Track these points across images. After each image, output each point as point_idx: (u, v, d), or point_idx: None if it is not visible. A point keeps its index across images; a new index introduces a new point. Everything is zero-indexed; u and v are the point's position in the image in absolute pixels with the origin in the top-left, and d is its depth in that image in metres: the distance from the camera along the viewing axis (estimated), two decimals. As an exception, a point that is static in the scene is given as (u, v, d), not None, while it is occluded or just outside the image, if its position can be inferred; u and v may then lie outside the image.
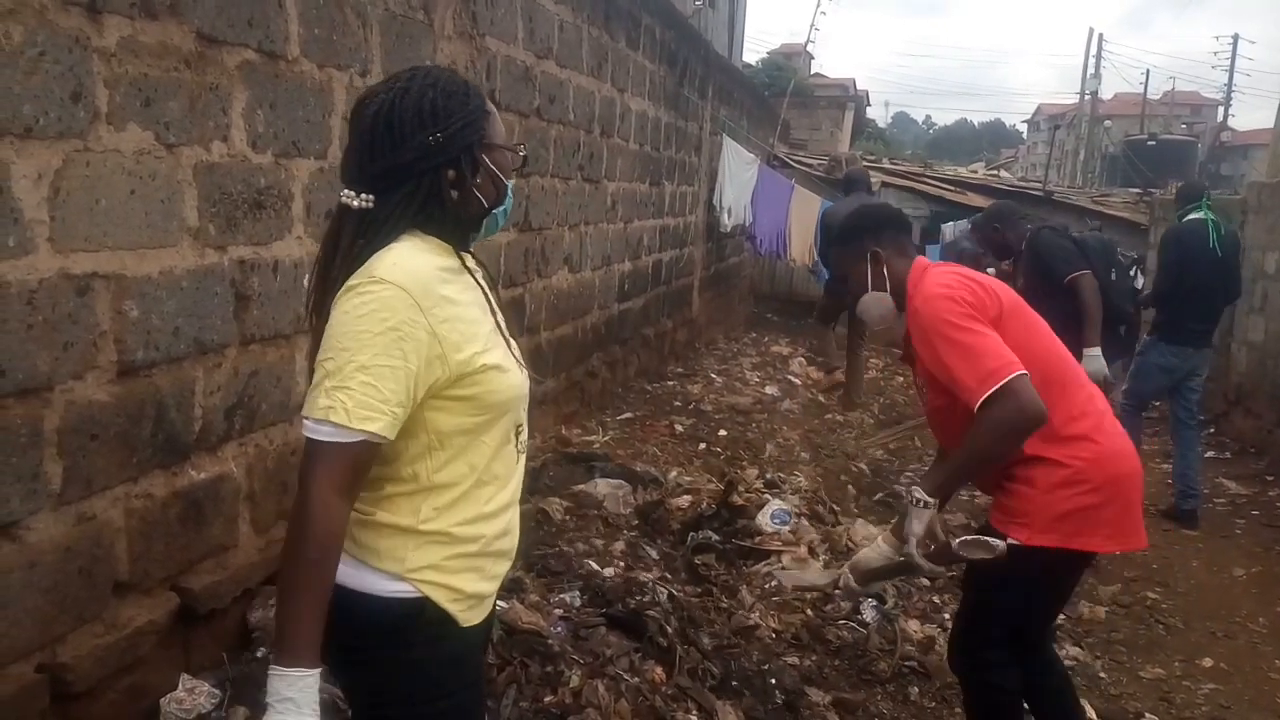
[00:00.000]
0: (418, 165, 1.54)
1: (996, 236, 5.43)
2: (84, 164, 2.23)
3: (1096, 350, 4.86)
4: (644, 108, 7.09)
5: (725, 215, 9.79)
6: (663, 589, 3.55)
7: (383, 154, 1.53)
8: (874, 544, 2.73)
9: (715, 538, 4.37)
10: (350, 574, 1.54)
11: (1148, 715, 3.67)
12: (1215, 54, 51.67)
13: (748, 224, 10.57)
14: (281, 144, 2.91)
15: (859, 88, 29.58)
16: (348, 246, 1.54)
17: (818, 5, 17.10)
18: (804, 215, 10.97)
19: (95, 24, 2.24)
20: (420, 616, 1.57)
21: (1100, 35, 37.48)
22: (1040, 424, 2.34)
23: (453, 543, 1.59)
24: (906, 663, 3.69)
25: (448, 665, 1.63)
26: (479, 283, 1.65)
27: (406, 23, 3.57)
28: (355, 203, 1.55)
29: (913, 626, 3.95)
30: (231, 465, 2.81)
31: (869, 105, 35.00)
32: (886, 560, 2.65)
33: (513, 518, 1.71)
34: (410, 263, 1.50)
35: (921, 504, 2.46)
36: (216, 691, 2.56)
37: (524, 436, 1.72)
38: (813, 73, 28.12)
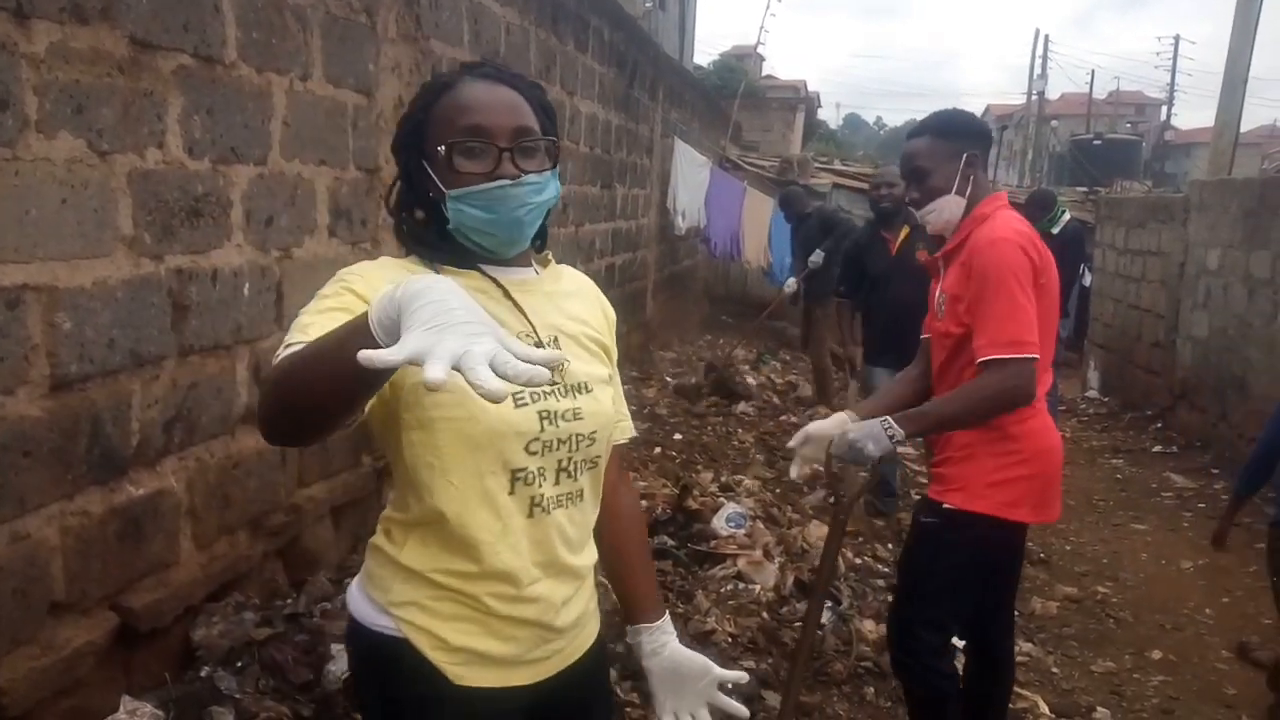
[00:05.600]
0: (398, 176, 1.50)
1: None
2: (13, 173, 2.16)
3: None
4: (594, 110, 7.07)
5: (679, 218, 9.80)
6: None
7: None
8: (836, 420, 2.65)
9: (671, 543, 4.35)
10: (354, 595, 1.50)
11: (1099, 709, 3.71)
12: (1158, 54, 52.72)
13: (702, 226, 10.59)
14: (219, 150, 2.85)
15: (810, 90, 29.77)
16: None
17: (767, 6, 17.15)
18: (757, 217, 11.03)
19: (23, 29, 2.17)
20: (400, 660, 1.40)
21: (1046, 36, 38.15)
22: (1024, 406, 2.45)
23: (435, 586, 1.39)
24: (862, 663, 3.70)
25: None
26: (488, 307, 1.40)
27: (348, 25, 3.52)
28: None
29: (868, 627, 3.96)
30: (171, 480, 2.74)
31: (820, 107, 35.23)
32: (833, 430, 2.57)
33: (539, 586, 1.42)
34: (363, 272, 1.37)
35: (893, 437, 2.42)
36: (159, 713, 2.50)
37: (551, 488, 1.41)
38: (764, 74, 28.25)
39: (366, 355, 0.91)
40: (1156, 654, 4.24)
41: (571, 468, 1.43)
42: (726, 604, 3.94)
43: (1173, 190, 14.76)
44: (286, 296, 3.24)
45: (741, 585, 4.12)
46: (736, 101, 15.25)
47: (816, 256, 7.48)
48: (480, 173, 1.37)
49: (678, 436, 6.29)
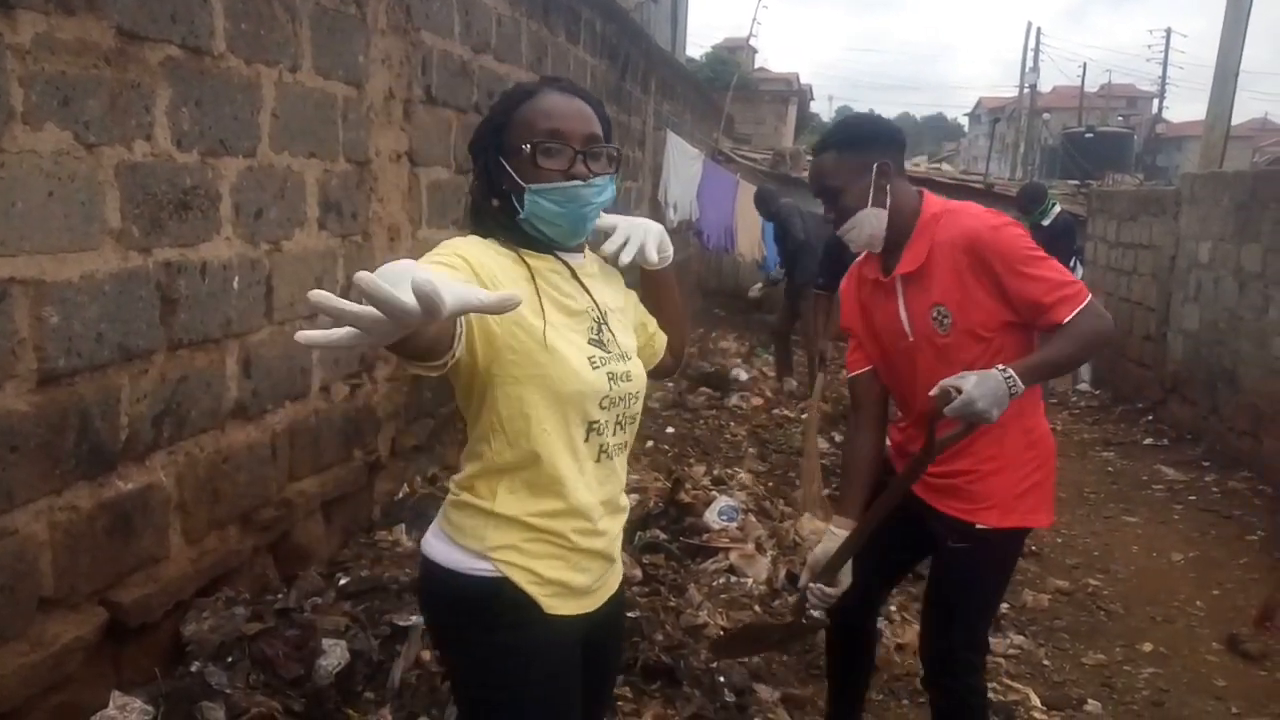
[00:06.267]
0: (474, 169, 1.71)
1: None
2: (-2, 165, 2.14)
3: None
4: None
5: (671, 210, 9.79)
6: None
7: None
8: (827, 535, 2.58)
9: (663, 536, 4.35)
10: (440, 550, 1.66)
11: (1090, 701, 3.71)
12: (1150, 48, 52.86)
13: (694, 219, 10.58)
14: (208, 142, 2.83)
15: (803, 82, 29.78)
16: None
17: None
18: (750, 210, 10.97)
19: (8, 20, 2.15)
20: (499, 596, 1.61)
21: (1039, 29, 38.19)
22: (1112, 341, 2.43)
23: (529, 529, 1.62)
24: (854, 656, 3.70)
25: (532, 651, 1.63)
26: (564, 284, 1.67)
27: (338, 17, 3.50)
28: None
29: (860, 620, 3.96)
30: (160, 474, 2.73)
31: (813, 99, 35.23)
32: (842, 545, 2.50)
33: (604, 521, 1.70)
34: (479, 245, 1.61)
35: (1013, 383, 2.20)
36: (149, 708, 2.48)
37: (613, 437, 1.69)
38: (756, 67, 28.24)
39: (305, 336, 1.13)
40: (1147, 646, 4.25)
41: (624, 421, 1.71)
42: (719, 597, 3.94)
43: (1164, 183, 14.79)
44: (276, 290, 3.23)
45: (734, 579, 4.12)
46: (729, 94, 15.24)
47: (776, 273, 7.70)
48: (558, 170, 1.62)
49: (670, 430, 6.28)
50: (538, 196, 1.62)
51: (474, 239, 1.64)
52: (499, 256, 1.61)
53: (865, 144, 2.43)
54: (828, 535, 2.57)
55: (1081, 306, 2.28)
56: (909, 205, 2.44)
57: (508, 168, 1.64)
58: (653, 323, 1.94)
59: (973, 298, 2.37)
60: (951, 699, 2.66)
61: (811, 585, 2.55)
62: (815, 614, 2.59)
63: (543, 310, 1.60)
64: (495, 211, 1.67)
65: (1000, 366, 2.21)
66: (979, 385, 2.17)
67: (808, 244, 7.70)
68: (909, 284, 2.46)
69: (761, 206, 8.64)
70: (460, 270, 1.48)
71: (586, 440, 1.65)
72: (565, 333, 1.62)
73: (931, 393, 2.24)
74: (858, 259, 2.71)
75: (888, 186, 2.40)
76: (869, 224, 2.43)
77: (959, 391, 2.17)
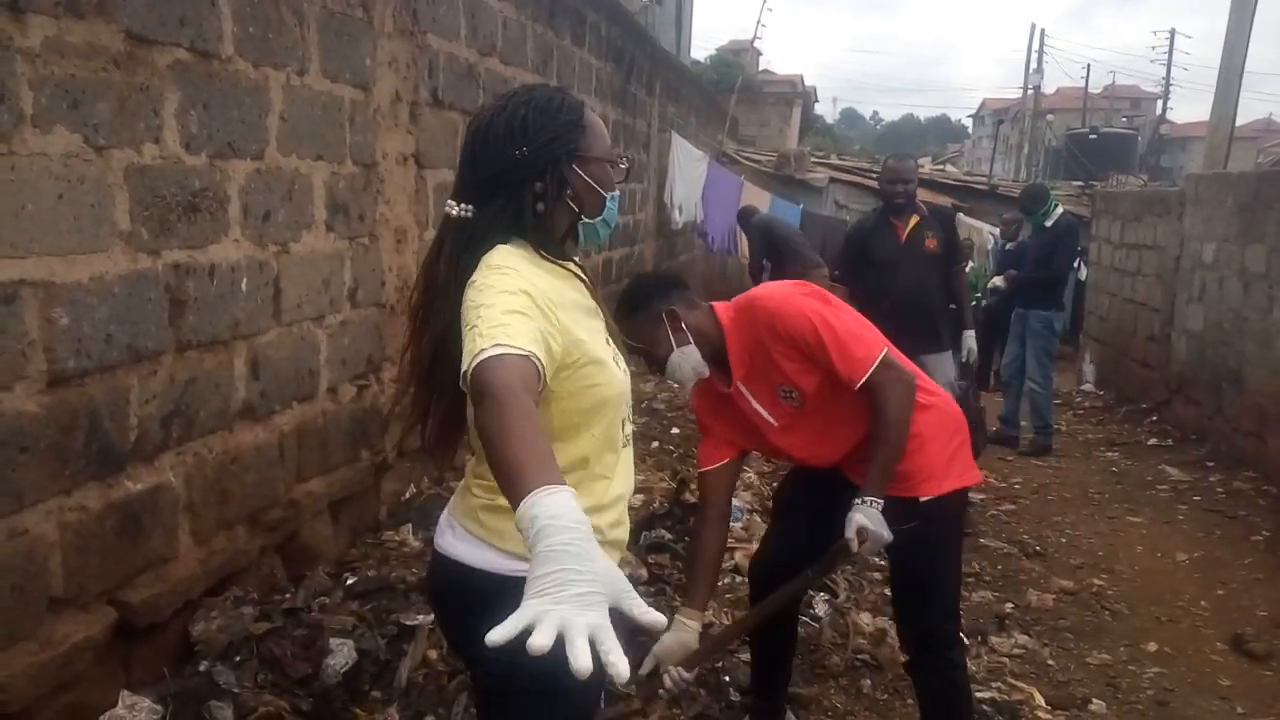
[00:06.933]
0: (506, 178, 1.64)
1: None
2: (9, 168, 2.16)
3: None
4: (590, 105, 7.06)
5: (676, 212, 9.81)
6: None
7: (478, 166, 1.66)
8: (676, 625, 2.59)
9: (668, 536, 4.36)
10: (474, 554, 1.68)
11: (1095, 701, 3.71)
12: (1153, 49, 52.81)
13: (699, 221, 10.59)
14: (216, 145, 2.85)
15: (807, 84, 29.79)
16: (450, 254, 1.64)
17: (763, 1, 17.14)
18: (753, 211, 11.01)
19: (18, 24, 2.17)
20: None
21: (1043, 31, 38.26)
22: (916, 391, 2.59)
23: None
24: (859, 656, 3.71)
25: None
26: (585, 287, 1.73)
27: (345, 20, 3.52)
28: (455, 211, 1.66)
29: (864, 619, 3.97)
30: (169, 475, 2.74)
31: (817, 101, 35.24)
32: (690, 645, 2.58)
33: (624, 510, 1.78)
34: (514, 259, 1.60)
35: (876, 504, 2.50)
36: (158, 708, 2.50)
37: (629, 430, 1.78)
38: (761, 69, 28.24)
39: (492, 639, 1.05)
40: (1152, 646, 4.24)
41: (630, 412, 1.79)
42: (724, 597, 3.94)
43: (1168, 184, 14.78)
44: (284, 292, 3.24)
45: (739, 579, 4.12)
46: (733, 96, 15.25)
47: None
48: (616, 182, 1.75)
49: (675, 431, 6.29)
50: (612, 204, 1.74)
51: (514, 254, 1.61)
52: (539, 271, 1.61)
53: (645, 301, 2.64)
54: (676, 625, 2.60)
55: (872, 370, 2.49)
56: (709, 328, 2.64)
57: (585, 177, 1.69)
58: None
59: (801, 367, 2.59)
60: (936, 675, 2.79)
61: (670, 670, 2.54)
62: (664, 696, 2.60)
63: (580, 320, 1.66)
64: (540, 218, 1.66)
65: (857, 501, 2.49)
66: (868, 523, 2.47)
67: (787, 241, 7.81)
68: (749, 384, 2.68)
69: (741, 221, 8.82)
70: (532, 316, 1.48)
71: (624, 439, 1.75)
72: (596, 337, 1.67)
73: (833, 549, 2.58)
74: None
75: (682, 323, 2.60)
76: (686, 362, 2.61)
77: (862, 536, 2.47)
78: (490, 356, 1.38)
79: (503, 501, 1.59)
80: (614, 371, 1.67)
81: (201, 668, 2.69)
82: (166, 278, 2.69)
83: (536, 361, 1.42)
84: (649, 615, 1.13)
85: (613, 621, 1.08)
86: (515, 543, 1.61)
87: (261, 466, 3.19)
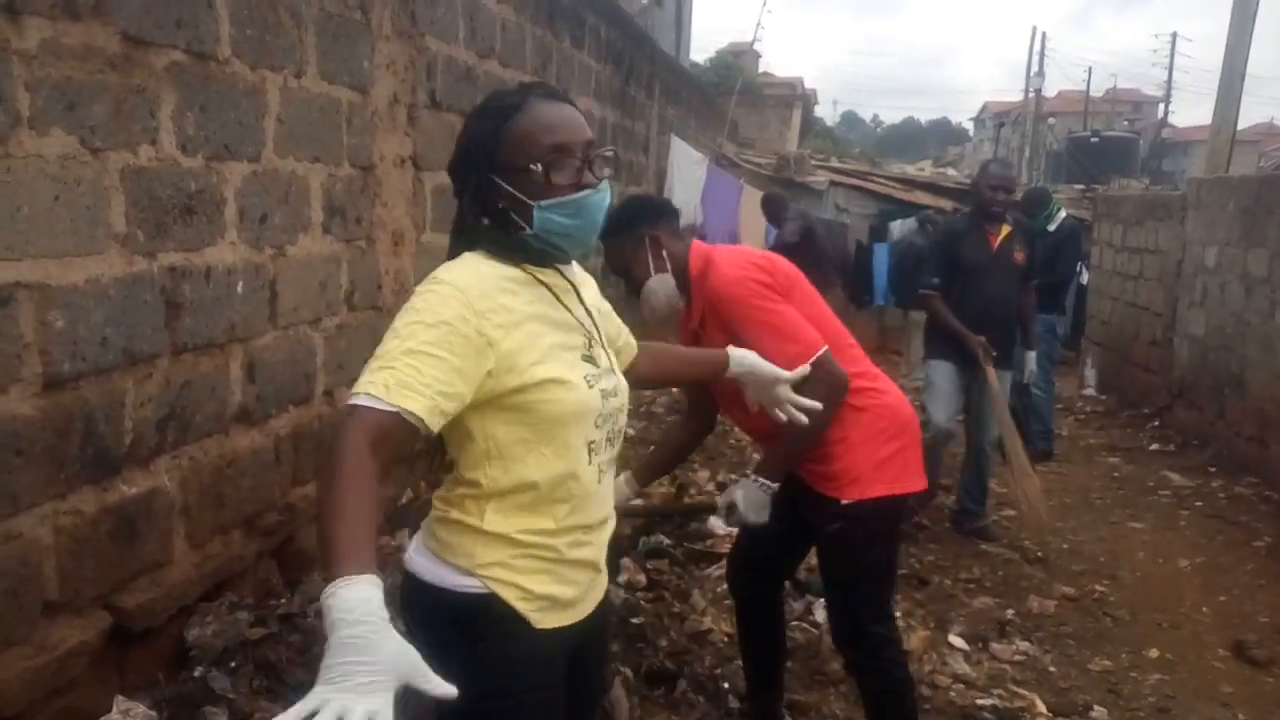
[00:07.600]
0: (455, 185, 1.66)
1: None
2: (5, 170, 2.14)
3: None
4: (590, 108, 7.06)
5: (675, 215, 9.79)
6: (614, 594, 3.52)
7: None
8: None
9: (667, 541, 4.34)
10: (427, 568, 1.65)
11: (1096, 707, 3.70)
12: (1155, 52, 52.86)
13: (698, 223, 10.57)
14: (213, 147, 2.84)
15: (807, 86, 29.77)
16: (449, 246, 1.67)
17: (763, 3, 17.16)
18: (754, 213, 10.98)
19: (14, 25, 2.16)
20: (487, 613, 1.60)
21: (1044, 34, 38.29)
22: (848, 389, 2.57)
23: (517, 545, 1.61)
24: (859, 662, 3.69)
25: (519, 664, 1.62)
26: (560, 299, 1.66)
27: (343, 22, 3.51)
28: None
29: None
30: (164, 479, 2.73)
31: (817, 104, 35.26)
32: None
33: (593, 533, 1.71)
34: (473, 268, 1.57)
35: (765, 488, 2.58)
36: (152, 713, 2.48)
37: (606, 454, 1.70)
38: (760, 71, 28.23)
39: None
40: (1154, 652, 4.23)
41: (614, 436, 1.72)
42: (723, 603, 3.93)
43: (1170, 188, 14.76)
44: (280, 294, 3.23)
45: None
46: (733, 98, 15.25)
47: None
48: (568, 184, 1.59)
49: (674, 434, 6.26)
50: (550, 213, 1.58)
51: (475, 263, 1.59)
52: (500, 283, 1.57)
53: (630, 222, 2.68)
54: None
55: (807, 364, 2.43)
56: (685, 258, 2.68)
57: (507, 187, 1.59)
58: (625, 331, 1.95)
59: (731, 344, 2.53)
60: (875, 676, 2.79)
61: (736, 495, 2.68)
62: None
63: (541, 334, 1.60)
64: (489, 230, 1.62)
65: (746, 473, 2.61)
66: (744, 498, 2.59)
67: (822, 247, 7.76)
68: (703, 332, 2.71)
69: (766, 208, 8.69)
70: (440, 354, 1.45)
71: (589, 462, 1.66)
72: (559, 353, 1.61)
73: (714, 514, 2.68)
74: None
75: (663, 252, 2.64)
76: (661, 288, 2.65)
77: (731, 510, 2.60)
78: (357, 404, 1.41)
79: (455, 514, 1.62)
80: (572, 390, 1.59)
81: (196, 673, 2.67)
82: (162, 280, 2.68)
83: (409, 418, 1.41)
84: (441, 688, 1.23)
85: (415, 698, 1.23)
86: (461, 556, 1.62)
87: (257, 470, 3.17)
